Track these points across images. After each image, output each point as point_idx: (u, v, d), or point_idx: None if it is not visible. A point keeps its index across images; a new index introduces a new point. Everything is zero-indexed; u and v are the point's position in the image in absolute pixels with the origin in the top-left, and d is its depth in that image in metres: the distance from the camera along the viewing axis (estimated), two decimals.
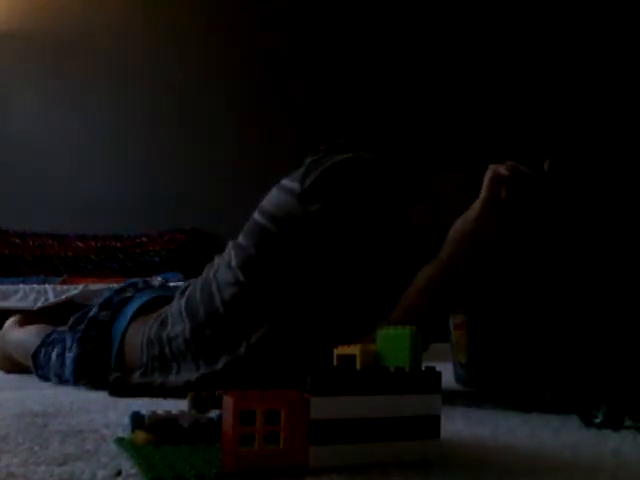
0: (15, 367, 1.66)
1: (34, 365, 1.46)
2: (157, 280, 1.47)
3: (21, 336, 1.62)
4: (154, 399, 1.07)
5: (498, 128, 2.64)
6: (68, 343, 1.31)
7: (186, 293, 1.18)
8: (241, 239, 1.11)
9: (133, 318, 1.25)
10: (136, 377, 1.17)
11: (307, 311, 1.05)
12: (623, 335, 1.00)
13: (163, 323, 1.18)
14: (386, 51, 3.00)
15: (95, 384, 1.24)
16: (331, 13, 3.07)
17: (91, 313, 1.31)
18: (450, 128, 2.70)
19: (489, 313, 1.11)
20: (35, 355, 1.45)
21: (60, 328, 1.47)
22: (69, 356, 1.29)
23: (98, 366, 1.25)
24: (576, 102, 2.72)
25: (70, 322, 1.35)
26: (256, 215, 1.09)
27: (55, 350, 1.38)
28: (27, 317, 1.77)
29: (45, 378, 1.43)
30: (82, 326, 1.29)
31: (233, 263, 1.09)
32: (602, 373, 0.97)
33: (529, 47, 2.83)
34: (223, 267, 1.11)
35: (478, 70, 2.85)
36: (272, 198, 1.08)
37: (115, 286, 1.44)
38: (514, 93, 2.77)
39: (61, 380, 1.35)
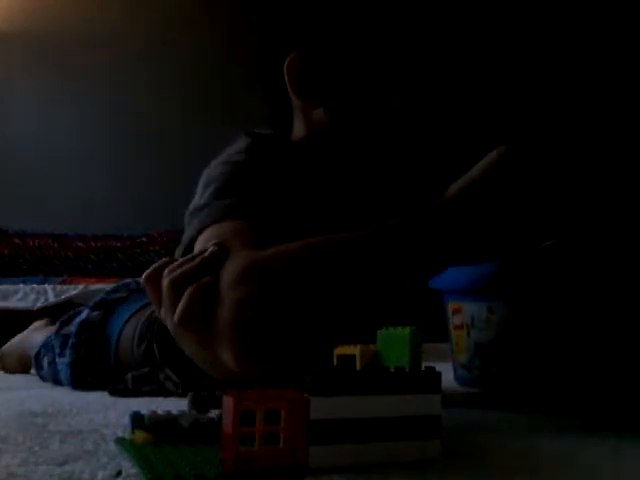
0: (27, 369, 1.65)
1: (35, 365, 1.46)
2: None
3: (39, 337, 1.62)
4: (154, 399, 1.07)
5: None
6: (57, 349, 1.30)
7: None
8: None
9: (128, 320, 1.25)
10: (129, 376, 1.16)
11: (305, 313, 1.05)
12: (623, 335, 1.00)
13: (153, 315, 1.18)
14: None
15: (95, 388, 1.24)
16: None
17: (82, 316, 1.30)
18: None
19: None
20: (37, 356, 1.45)
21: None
22: (62, 362, 1.28)
23: (95, 369, 1.24)
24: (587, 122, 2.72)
25: (57, 326, 1.35)
26: None
27: (46, 358, 1.37)
28: (51, 320, 1.77)
29: (45, 379, 1.43)
30: (72, 329, 1.28)
31: None
32: (602, 373, 0.97)
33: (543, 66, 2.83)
34: None
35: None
36: None
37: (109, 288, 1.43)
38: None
39: (59, 383, 1.35)
